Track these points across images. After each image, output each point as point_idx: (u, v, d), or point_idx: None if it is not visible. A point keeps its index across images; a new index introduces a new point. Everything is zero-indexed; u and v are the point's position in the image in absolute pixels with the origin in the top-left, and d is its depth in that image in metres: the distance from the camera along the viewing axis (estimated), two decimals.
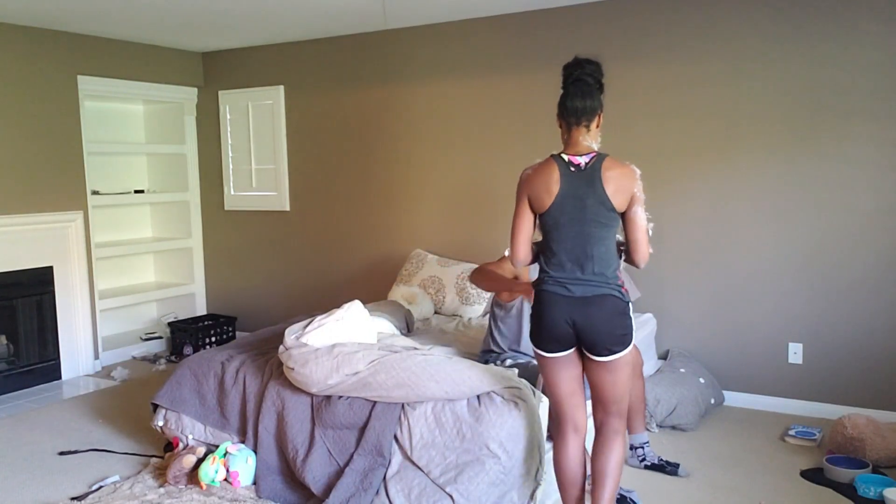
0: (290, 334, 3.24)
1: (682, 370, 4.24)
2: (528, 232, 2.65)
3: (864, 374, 4.11)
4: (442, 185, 5.27)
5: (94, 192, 5.56)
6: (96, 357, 5.50)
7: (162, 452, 3.70)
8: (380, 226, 5.56)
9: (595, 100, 2.60)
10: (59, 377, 5.26)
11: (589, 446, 2.86)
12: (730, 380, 4.43)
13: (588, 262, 2.53)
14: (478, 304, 4.73)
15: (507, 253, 2.68)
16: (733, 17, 4.23)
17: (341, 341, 3.19)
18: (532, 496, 2.84)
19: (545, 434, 3.02)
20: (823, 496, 3.25)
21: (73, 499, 3.26)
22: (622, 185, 2.54)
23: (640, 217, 2.57)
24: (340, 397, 3.08)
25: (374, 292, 5.49)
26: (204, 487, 3.19)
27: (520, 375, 3.28)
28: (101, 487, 3.36)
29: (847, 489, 3.26)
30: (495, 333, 3.51)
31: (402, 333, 4.01)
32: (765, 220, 4.27)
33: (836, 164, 4.07)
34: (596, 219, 2.53)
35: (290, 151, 5.85)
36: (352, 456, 3.01)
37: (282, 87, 5.79)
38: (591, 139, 2.62)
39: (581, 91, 2.59)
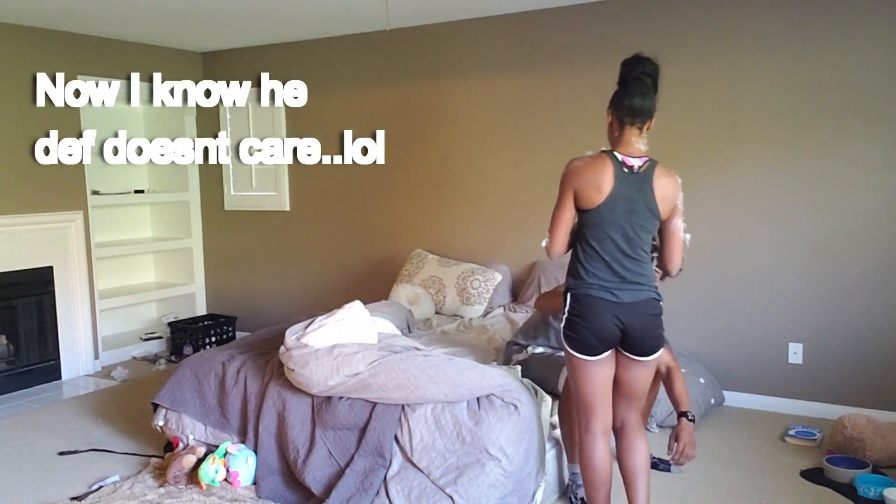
0: (291, 335, 3.24)
1: (682, 370, 4.23)
2: (568, 225, 2.58)
3: (864, 373, 4.10)
4: (442, 184, 5.26)
5: (94, 192, 5.56)
6: (96, 357, 5.50)
7: (162, 452, 3.70)
8: (380, 226, 5.56)
9: (653, 101, 2.55)
10: (59, 377, 5.26)
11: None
12: (730, 380, 4.43)
13: (631, 264, 2.52)
14: (478, 305, 4.73)
15: (544, 244, 2.62)
16: (734, 17, 4.23)
17: (342, 342, 3.19)
18: (532, 498, 2.84)
19: (546, 435, 3.03)
20: (823, 496, 3.25)
21: (73, 499, 3.26)
22: (668, 195, 2.54)
23: (679, 228, 2.60)
24: (341, 398, 3.08)
25: (374, 292, 5.48)
26: (204, 487, 3.19)
27: (539, 367, 3.27)
28: (101, 487, 3.36)
29: (847, 489, 3.26)
30: (541, 336, 3.50)
31: (403, 334, 4.01)
32: (765, 219, 4.27)
33: (837, 164, 4.07)
34: (643, 224, 2.53)
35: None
36: (352, 457, 3.01)
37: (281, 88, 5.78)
38: (642, 142, 2.57)
39: (642, 91, 2.53)
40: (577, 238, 2.61)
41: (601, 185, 2.50)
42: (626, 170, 2.52)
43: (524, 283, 4.90)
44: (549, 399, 3.12)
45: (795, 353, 4.26)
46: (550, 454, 3.18)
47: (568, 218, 2.57)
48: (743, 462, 3.61)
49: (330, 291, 5.79)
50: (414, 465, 2.91)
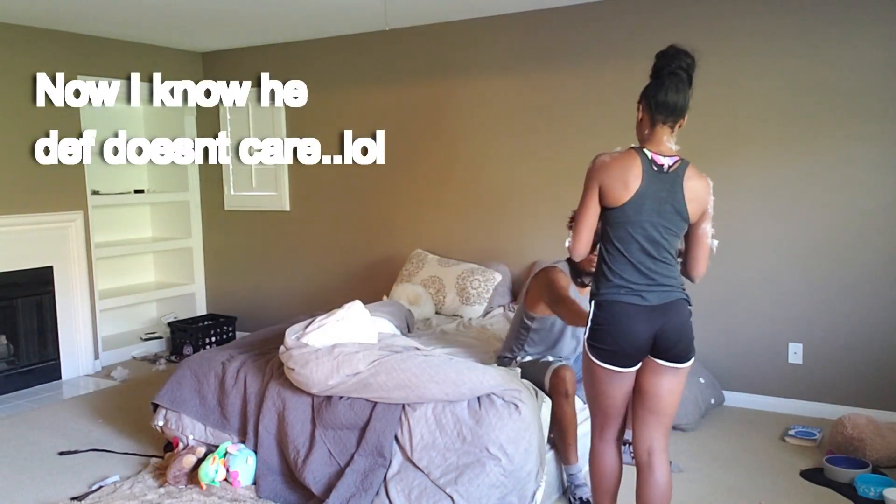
0: (291, 334, 3.24)
1: None
2: (593, 224, 2.43)
3: (864, 373, 4.10)
4: (442, 184, 5.26)
5: (94, 192, 5.56)
6: (96, 357, 5.50)
7: (162, 452, 3.70)
8: (380, 226, 5.56)
9: (688, 98, 2.41)
10: (59, 377, 5.26)
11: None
12: (730, 380, 4.43)
13: (658, 266, 2.38)
14: (478, 305, 4.73)
15: (567, 243, 2.47)
16: (734, 17, 4.22)
17: (342, 341, 3.19)
18: (532, 498, 2.84)
19: (546, 436, 3.03)
20: (823, 496, 3.25)
21: (73, 499, 3.26)
22: (699, 197, 2.40)
23: (707, 234, 2.44)
24: (341, 398, 3.08)
25: (374, 292, 5.48)
26: (204, 487, 3.19)
27: (529, 372, 3.27)
28: (101, 487, 3.36)
29: (847, 489, 3.26)
30: (525, 343, 3.44)
31: (403, 333, 4.01)
32: (765, 219, 4.27)
33: (837, 163, 4.07)
34: (669, 226, 2.38)
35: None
36: (352, 456, 3.01)
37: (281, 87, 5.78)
38: (673, 140, 2.44)
39: (678, 86, 2.38)
40: (602, 240, 2.47)
41: (629, 181, 2.35)
42: (655, 168, 2.37)
43: (524, 283, 4.89)
44: (549, 400, 3.12)
45: (795, 352, 4.26)
46: (550, 454, 3.18)
47: (593, 215, 2.42)
48: (743, 462, 3.61)
49: (330, 291, 5.79)
50: (414, 464, 2.91)
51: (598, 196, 2.40)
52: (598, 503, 2.66)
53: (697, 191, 2.40)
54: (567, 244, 2.49)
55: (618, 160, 2.40)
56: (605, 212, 2.42)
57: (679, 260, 2.51)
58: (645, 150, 2.41)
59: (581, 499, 3.11)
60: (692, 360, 2.45)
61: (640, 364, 2.44)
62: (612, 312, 2.38)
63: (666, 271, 2.40)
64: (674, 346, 2.40)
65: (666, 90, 2.38)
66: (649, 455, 2.49)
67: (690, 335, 2.44)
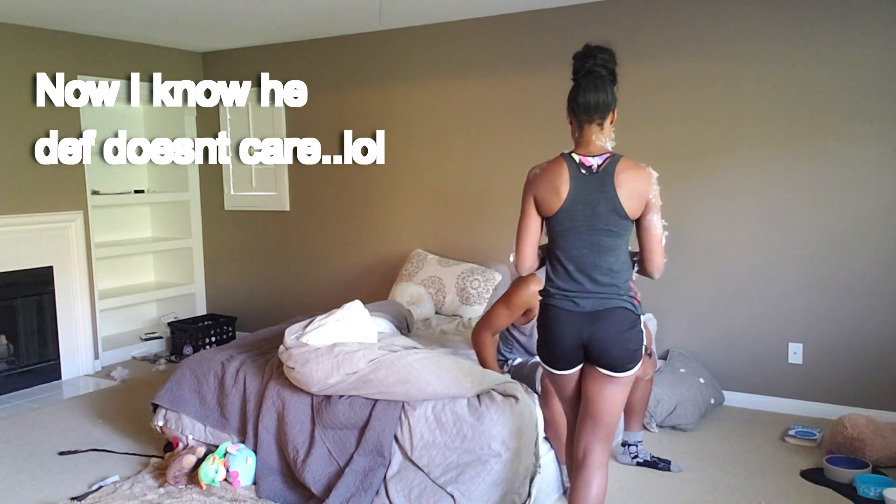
0: (290, 334, 3.24)
1: (682, 370, 4.23)
2: (534, 236, 2.46)
3: (864, 373, 4.10)
4: (442, 184, 5.26)
5: (94, 192, 5.56)
6: (96, 357, 5.49)
7: (162, 452, 3.70)
8: (380, 226, 5.56)
9: (608, 94, 2.36)
10: (59, 377, 5.25)
11: None
12: (730, 380, 4.43)
13: (597, 272, 2.34)
14: (478, 305, 4.73)
15: (511, 258, 2.50)
16: (734, 17, 4.22)
17: (341, 341, 3.19)
18: (529, 493, 2.84)
19: (541, 430, 3.04)
20: (823, 496, 3.25)
21: (73, 499, 3.26)
22: (636, 190, 2.33)
23: (655, 225, 2.36)
24: (341, 397, 3.08)
25: (374, 292, 5.49)
26: (204, 487, 3.19)
27: (520, 375, 3.29)
28: (100, 487, 3.36)
29: (847, 489, 3.26)
30: (513, 349, 3.48)
31: (402, 333, 4.01)
32: (765, 219, 4.27)
33: (837, 164, 4.07)
34: (607, 227, 2.33)
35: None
36: (352, 456, 3.01)
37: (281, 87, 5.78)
38: (604, 138, 2.40)
39: (594, 85, 2.35)
40: (548, 249, 2.48)
41: (559, 189, 2.36)
42: (584, 171, 2.36)
43: None
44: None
45: (795, 352, 4.26)
46: (551, 455, 3.18)
47: (532, 229, 2.45)
48: (743, 462, 3.61)
49: (330, 291, 5.79)
50: (414, 463, 2.91)
51: (536, 207, 2.43)
52: (556, 450, 2.82)
53: (632, 183, 2.34)
54: (511, 259, 2.51)
55: (546, 170, 2.42)
56: (546, 222, 2.44)
57: (634, 260, 2.46)
58: (573, 154, 2.41)
59: None
60: (632, 371, 2.38)
61: (576, 368, 2.43)
62: (548, 316, 2.42)
63: (608, 279, 2.35)
64: (606, 354, 2.35)
65: (583, 91, 2.38)
66: (584, 457, 2.47)
67: (630, 346, 2.35)
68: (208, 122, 6.13)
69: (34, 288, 5.11)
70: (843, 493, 3.24)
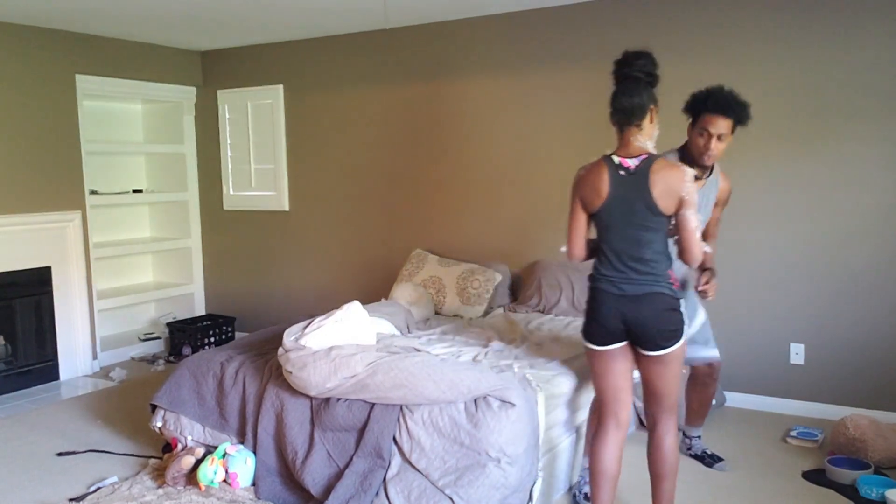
0: (289, 336, 3.22)
1: (683, 370, 4.22)
2: (581, 231, 2.70)
3: (866, 374, 4.09)
4: (442, 184, 5.25)
5: (93, 192, 5.55)
6: (94, 357, 5.48)
7: (160, 453, 3.69)
8: (380, 226, 5.55)
9: (643, 96, 2.55)
10: (57, 378, 5.24)
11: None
12: (731, 380, 4.42)
13: (637, 263, 2.57)
14: (478, 305, 4.71)
15: (563, 249, 2.76)
16: (734, 18, 4.22)
17: (340, 343, 3.17)
18: (531, 492, 2.83)
19: (542, 431, 3.02)
20: (825, 497, 3.24)
21: (71, 500, 3.25)
22: (669, 188, 2.52)
23: (689, 220, 2.54)
24: (339, 399, 3.07)
25: (374, 292, 5.48)
26: (203, 489, 3.18)
27: None
28: (99, 489, 3.34)
29: (849, 490, 3.25)
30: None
31: (402, 334, 3.99)
32: (766, 220, 4.26)
33: (837, 164, 4.06)
34: (643, 223, 2.55)
35: (289, 151, 5.84)
36: (351, 458, 2.99)
37: (281, 87, 5.77)
38: (644, 138, 2.59)
39: (629, 89, 2.55)
40: (596, 240, 2.72)
41: (599, 189, 2.59)
42: (622, 172, 2.56)
43: (524, 284, 4.88)
44: (544, 392, 3.11)
45: (797, 353, 4.25)
46: (551, 455, 3.17)
47: (580, 225, 2.69)
48: (744, 463, 3.60)
49: (329, 291, 5.78)
50: (413, 466, 2.89)
51: (581, 205, 2.67)
52: (594, 495, 2.74)
53: (667, 182, 2.52)
54: (563, 249, 2.78)
55: (589, 172, 2.64)
56: (591, 217, 2.68)
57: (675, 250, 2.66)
58: (613, 156, 2.61)
59: (586, 494, 3.11)
60: (673, 348, 2.60)
61: (619, 346, 2.66)
62: (594, 297, 2.68)
63: (647, 268, 2.57)
64: (647, 336, 2.58)
65: (619, 96, 2.58)
66: (654, 424, 2.76)
67: (670, 326, 2.58)
68: (207, 121, 6.11)
69: (32, 288, 5.09)
70: (844, 495, 3.23)
